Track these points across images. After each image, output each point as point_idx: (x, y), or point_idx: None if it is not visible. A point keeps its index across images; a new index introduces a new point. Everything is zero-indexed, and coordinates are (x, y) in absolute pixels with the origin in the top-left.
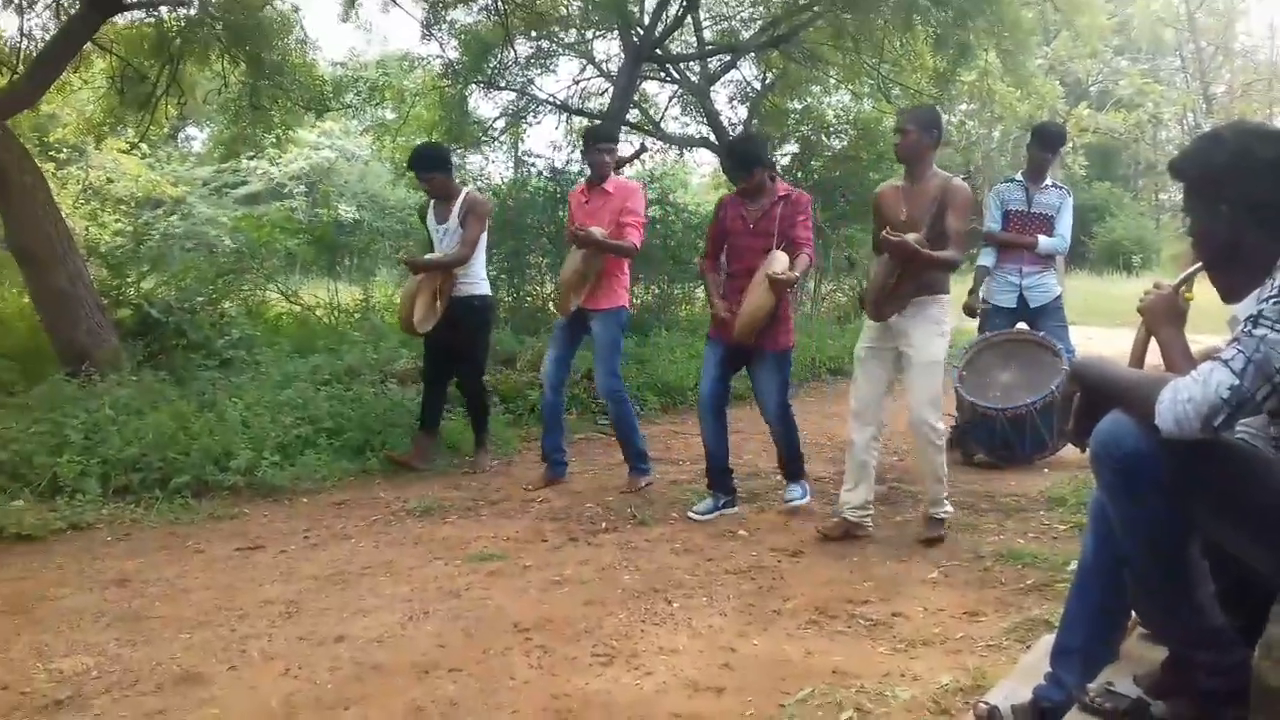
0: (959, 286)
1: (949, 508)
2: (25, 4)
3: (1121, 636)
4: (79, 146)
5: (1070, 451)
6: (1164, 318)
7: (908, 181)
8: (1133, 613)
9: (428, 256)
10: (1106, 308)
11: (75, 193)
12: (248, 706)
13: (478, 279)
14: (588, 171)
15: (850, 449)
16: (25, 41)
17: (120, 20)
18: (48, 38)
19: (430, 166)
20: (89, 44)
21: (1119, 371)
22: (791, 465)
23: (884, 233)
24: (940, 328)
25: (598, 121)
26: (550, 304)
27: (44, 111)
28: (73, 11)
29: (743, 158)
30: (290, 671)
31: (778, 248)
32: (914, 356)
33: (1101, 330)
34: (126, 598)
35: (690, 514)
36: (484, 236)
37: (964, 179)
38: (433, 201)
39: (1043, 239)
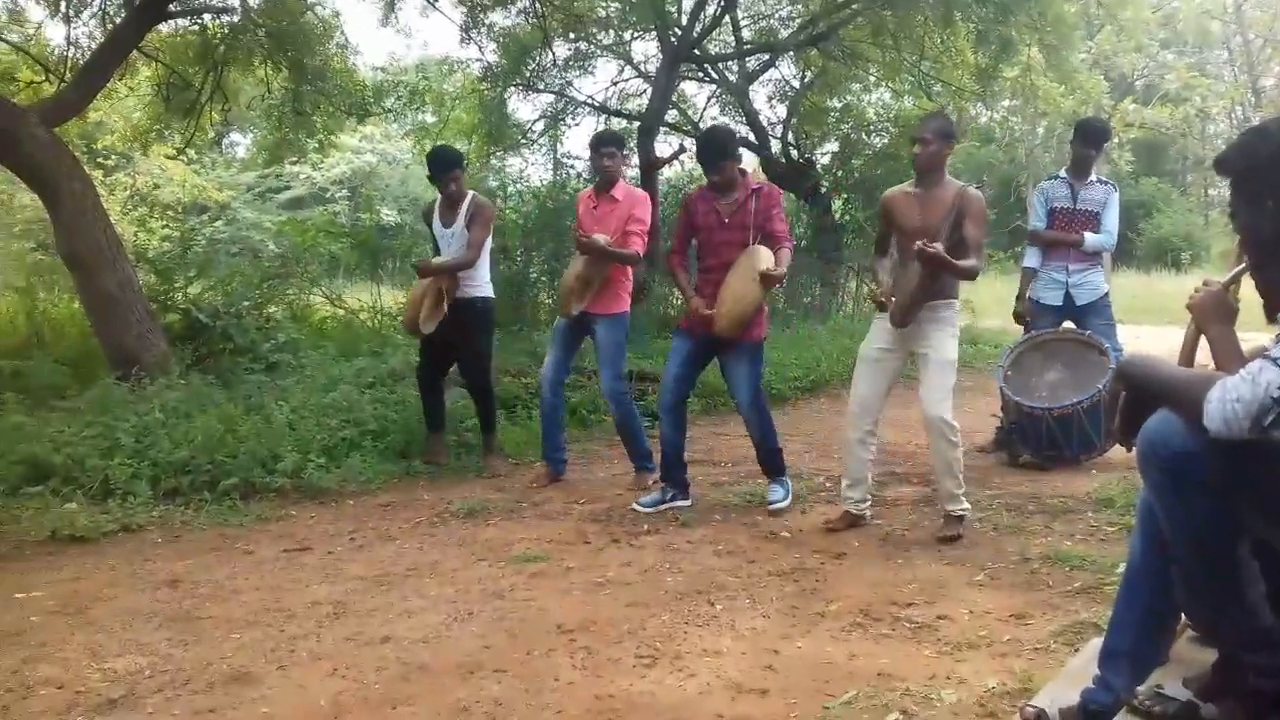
0: (984, 291)
1: (966, 504)
2: (72, 13)
3: (1170, 639)
4: (126, 153)
5: (1118, 452)
6: (1214, 315)
7: (921, 188)
8: (1182, 615)
9: (436, 260)
10: (1154, 305)
11: (123, 199)
12: (297, 705)
13: (481, 281)
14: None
15: (849, 447)
16: (72, 50)
17: (165, 28)
18: (94, 46)
19: (452, 166)
20: (135, 52)
21: (1166, 370)
22: (770, 460)
23: (920, 244)
24: (953, 329)
25: (636, 123)
26: None
27: (91, 119)
28: (119, 20)
29: (712, 151)
30: (338, 671)
31: (754, 242)
32: (932, 356)
33: (1150, 328)
34: (177, 598)
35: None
36: (489, 240)
37: (977, 188)
38: (437, 204)
39: (1089, 236)
